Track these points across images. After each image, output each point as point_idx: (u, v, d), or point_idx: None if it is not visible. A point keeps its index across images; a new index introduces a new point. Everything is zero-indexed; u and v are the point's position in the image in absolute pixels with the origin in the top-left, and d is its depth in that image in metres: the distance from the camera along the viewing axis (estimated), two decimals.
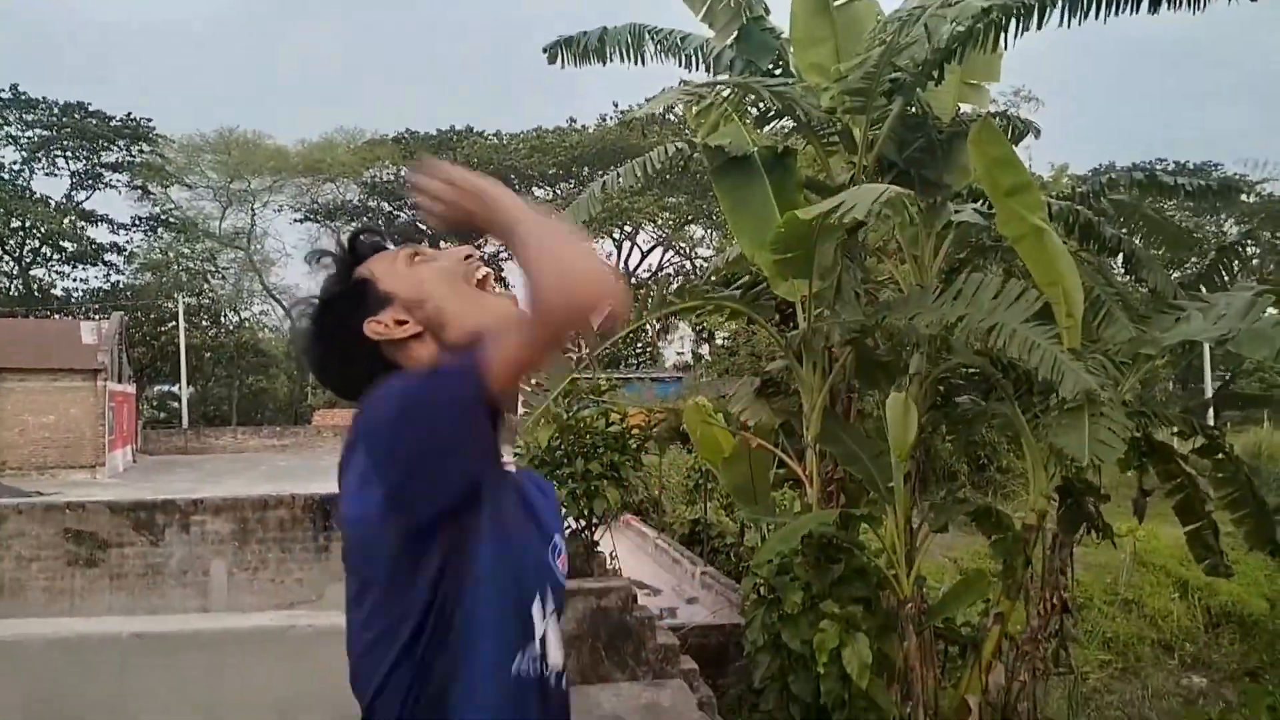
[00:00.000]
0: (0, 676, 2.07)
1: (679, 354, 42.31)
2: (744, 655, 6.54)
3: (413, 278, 1.33)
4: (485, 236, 1.31)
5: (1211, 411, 7.80)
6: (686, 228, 41.61)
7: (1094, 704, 12.49)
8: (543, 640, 1.27)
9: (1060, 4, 5.48)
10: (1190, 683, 13.60)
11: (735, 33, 6.70)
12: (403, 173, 46.07)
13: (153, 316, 41.86)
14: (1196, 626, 14.97)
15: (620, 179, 6.43)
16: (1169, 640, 14.68)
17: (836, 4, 6.43)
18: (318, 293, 1.39)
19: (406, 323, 1.31)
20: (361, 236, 1.40)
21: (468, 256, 1.35)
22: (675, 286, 7.39)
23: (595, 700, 5.22)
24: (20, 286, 41.66)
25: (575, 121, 42.78)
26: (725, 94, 6.18)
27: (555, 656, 1.29)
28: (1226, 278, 7.35)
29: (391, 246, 1.40)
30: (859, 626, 5.71)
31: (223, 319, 45.67)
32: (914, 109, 6.33)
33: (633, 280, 39.84)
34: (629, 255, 43.24)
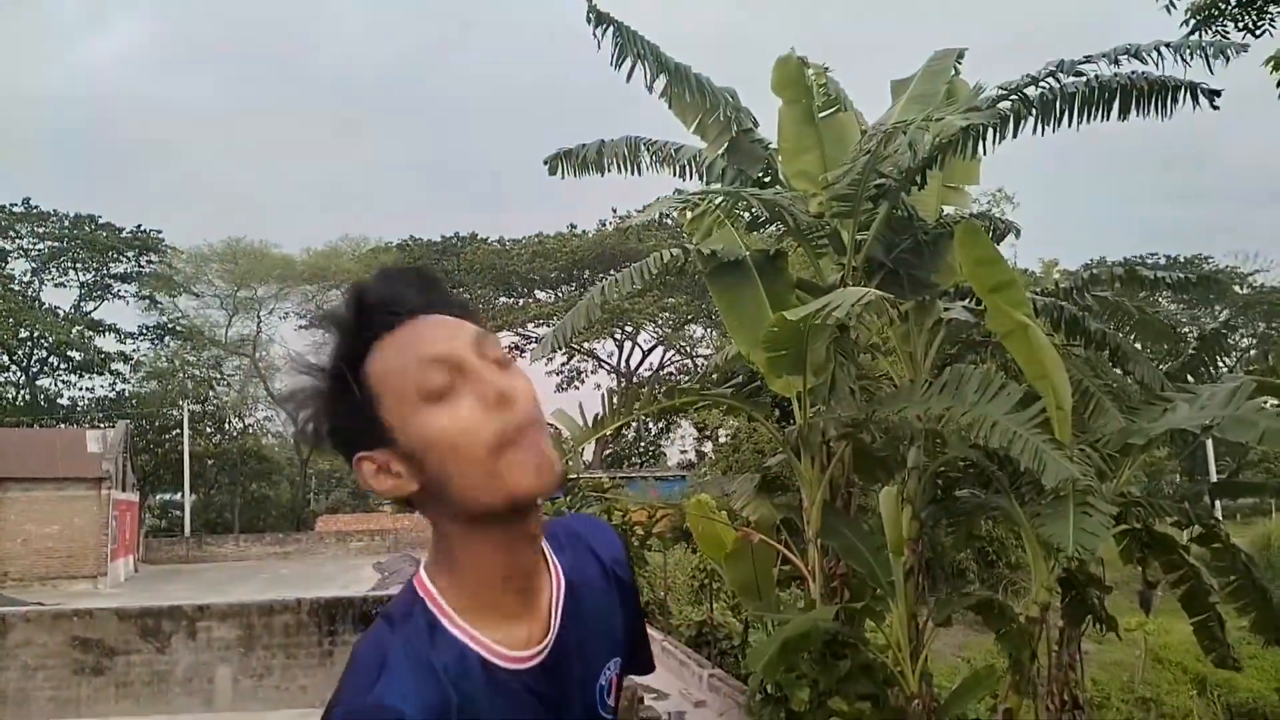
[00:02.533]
0: None
1: (682, 452, 42.30)
2: None
3: (421, 428, 0.97)
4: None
5: (1209, 500, 7.87)
6: (686, 327, 42.13)
7: None
8: None
9: (1034, 114, 5.79)
10: None
11: (726, 144, 7.03)
12: None
13: (157, 424, 42.07)
14: None
15: (619, 284, 6.66)
16: None
17: (821, 116, 6.77)
18: (310, 379, 1.01)
19: (400, 478, 1.00)
20: (373, 299, 1.00)
21: (499, 398, 0.98)
22: (667, 387, 7.55)
23: None
24: (26, 395, 41.99)
25: (575, 227, 43.80)
26: (718, 201, 6.47)
27: None
28: (1213, 368, 7.51)
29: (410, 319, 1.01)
30: None
31: (227, 425, 45.85)
32: (899, 212, 6.60)
33: (634, 379, 40.09)
34: (630, 354, 43.67)
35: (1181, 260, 35.71)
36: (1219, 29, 7.42)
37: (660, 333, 42.71)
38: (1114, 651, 14.88)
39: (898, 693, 6.52)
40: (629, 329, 41.42)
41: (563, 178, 7.49)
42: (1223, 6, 7.67)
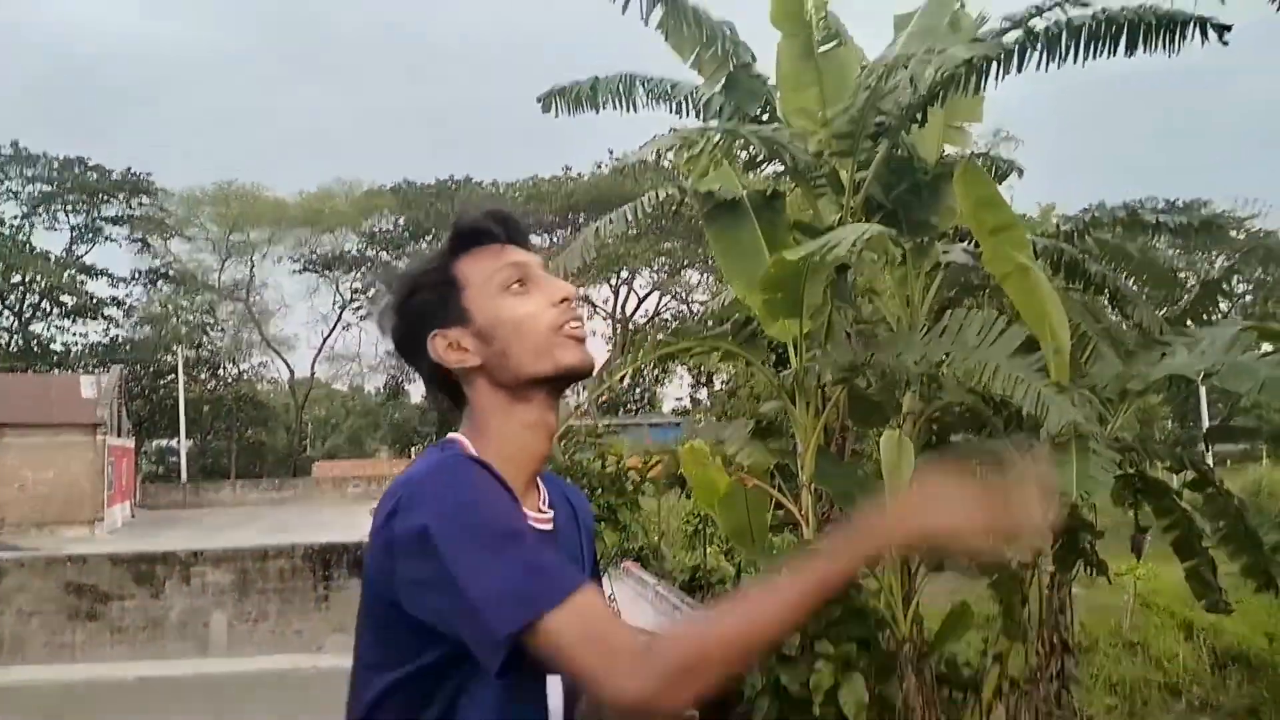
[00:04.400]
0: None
1: (677, 399, 42.40)
2: (744, 700, 6.52)
3: (495, 310, 1.27)
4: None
5: (1204, 446, 7.85)
6: (682, 273, 41.95)
7: None
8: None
9: (1039, 48, 5.63)
10: None
11: (723, 80, 6.85)
12: (400, 222, 46.47)
13: (152, 370, 42.03)
14: (1203, 668, 14.85)
15: (612, 224, 6.54)
16: (1175, 683, 14.56)
17: (821, 50, 6.59)
18: (410, 269, 1.35)
19: (468, 352, 1.27)
20: (469, 221, 1.32)
21: (564, 299, 1.29)
22: (671, 330, 7.48)
23: None
24: (20, 341, 41.82)
25: (570, 169, 43.34)
26: (715, 140, 6.32)
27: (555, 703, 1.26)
28: (1213, 314, 7.44)
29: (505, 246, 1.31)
30: (856, 666, 5.70)
31: (221, 371, 45.81)
32: (899, 151, 6.45)
33: (630, 325, 40.02)
34: (625, 300, 43.52)
35: (1180, 204, 35.50)
36: None
37: (656, 278, 42.54)
38: (1102, 596, 15.00)
39: (888, 636, 6.54)
40: (625, 274, 41.23)
41: (556, 116, 7.32)
42: None
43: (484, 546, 1.08)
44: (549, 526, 1.30)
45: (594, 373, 1.36)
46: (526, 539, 1.12)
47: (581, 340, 1.30)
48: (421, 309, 1.29)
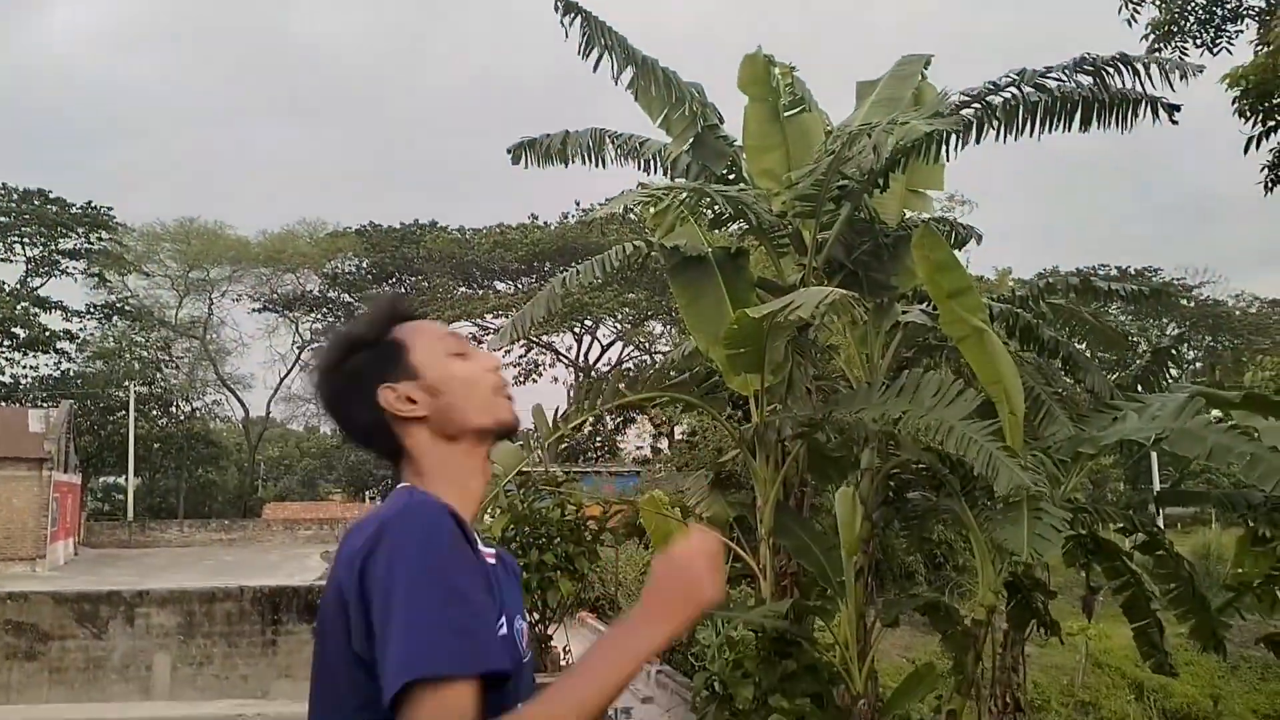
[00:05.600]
0: None
1: (638, 447, 42.31)
2: None
3: (445, 368, 1.40)
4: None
5: (1154, 509, 8.01)
6: (646, 323, 42.09)
7: None
8: None
9: (997, 122, 5.84)
10: None
11: (691, 139, 7.00)
12: (364, 264, 46.35)
13: (102, 405, 41.10)
14: None
15: (580, 275, 6.61)
16: None
17: (786, 115, 6.77)
18: (349, 331, 1.45)
19: (416, 404, 1.37)
20: (404, 304, 1.50)
21: (497, 367, 1.47)
22: (629, 380, 7.55)
23: None
24: None
25: (537, 218, 43.50)
26: (681, 197, 6.44)
27: None
28: (1163, 380, 7.64)
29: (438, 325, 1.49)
30: None
31: (174, 408, 44.93)
32: (861, 214, 6.62)
33: (593, 374, 40.00)
34: (589, 349, 43.54)
35: (1131, 272, 36.44)
36: (1178, 45, 7.56)
37: (620, 328, 42.62)
38: (1055, 655, 15.13)
39: (843, 691, 6.55)
40: (588, 323, 41.27)
41: (526, 168, 7.42)
42: (1182, 24, 7.82)
43: (438, 592, 1.16)
44: (493, 561, 1.38)
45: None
46: (476, 600, 1.19)
47: (512, 400, 1.47)
48: (366, 365, 1.39)
